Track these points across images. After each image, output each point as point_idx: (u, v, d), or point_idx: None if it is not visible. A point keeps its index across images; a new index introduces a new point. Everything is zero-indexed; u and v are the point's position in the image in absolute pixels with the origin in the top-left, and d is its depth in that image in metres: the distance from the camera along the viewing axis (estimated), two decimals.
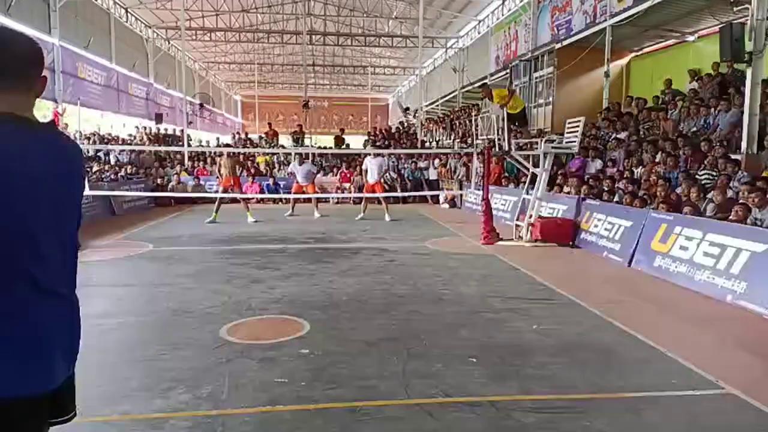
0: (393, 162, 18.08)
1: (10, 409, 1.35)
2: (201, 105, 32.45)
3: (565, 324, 4.87)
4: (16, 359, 1.37)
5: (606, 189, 9.59)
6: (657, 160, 9.61)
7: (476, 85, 22.06)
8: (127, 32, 24.73)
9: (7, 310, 1.37)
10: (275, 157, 19.24)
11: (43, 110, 18.92)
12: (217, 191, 12.32)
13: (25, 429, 1.40)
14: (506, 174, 13.78)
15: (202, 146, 22.90)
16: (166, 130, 24.18)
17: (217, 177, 12.04)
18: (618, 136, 11.87)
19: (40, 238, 1.42)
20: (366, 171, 12.79)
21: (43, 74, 1.53)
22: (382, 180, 13.34)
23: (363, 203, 13.00)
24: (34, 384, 1.39)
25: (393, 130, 25.25)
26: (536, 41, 18.50)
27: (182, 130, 23.60)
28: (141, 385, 3.50)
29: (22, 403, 1.36)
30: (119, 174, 15.83)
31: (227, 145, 20.96)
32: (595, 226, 8.61)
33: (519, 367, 3.84)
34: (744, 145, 8.55)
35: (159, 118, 24.14)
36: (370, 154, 13.33)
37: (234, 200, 13.02)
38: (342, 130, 23.69)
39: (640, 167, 10.01)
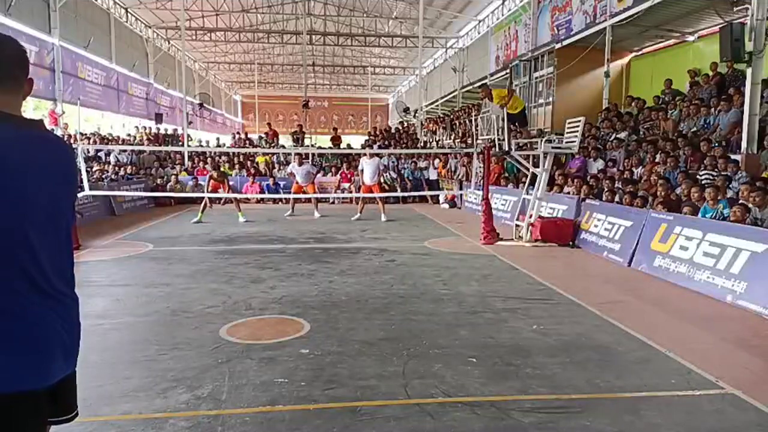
0: (393, 162, 18.09)
1: (10, 404, 1.37)
2: (201, 105, 32.46)
3: (564, 324, 4.87)
4: (15, 356, 1.39)
5: (606, 189, 9.59)
6: (657, 160, 9.62)
7: (476, 85, 22.06)
8: (127, 32, 24.75)
9: (7, 309, 1.39)
10: (275, 157, 19.25)
11: (42, 110, 18.96)
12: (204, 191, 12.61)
13: (25, 424, 1.42)
14: (506, 174, 13.78)
15: (202, 146, 22.90)
16: (166, 130, 24.19)
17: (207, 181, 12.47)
18: (618, 136, 11.88)
19: (38, 237, 1.44)
20: (362, 171, 12.78)
21: (29, 77, 1.57)
22: (381, 180, 13.34)
23: (360, 203, 13.00)
24: (32, 380, 1.41)
25: (393, 131, 25.26)
26: (536, 41, 18.50)
27: (177, 130, 23.67)
28: (141, 385, 3.50)
29: (21, 399, 1.38)
30: (119, 174, 15.83)
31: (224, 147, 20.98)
32: (595, 226, 8.61)
33: (519, 367, 3.84)
34: (744, 145, 8.55)
35: (159, 118, 24.16)
36: (366, 155, 13.31)
37: (227, 200, 13.31)
38: (335, 129, 23.55)
39: (640, 167, 10.01)
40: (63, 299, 1.52)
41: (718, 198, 7.10)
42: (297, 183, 13.18)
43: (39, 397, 1.44)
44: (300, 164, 13.18)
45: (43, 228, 1.45)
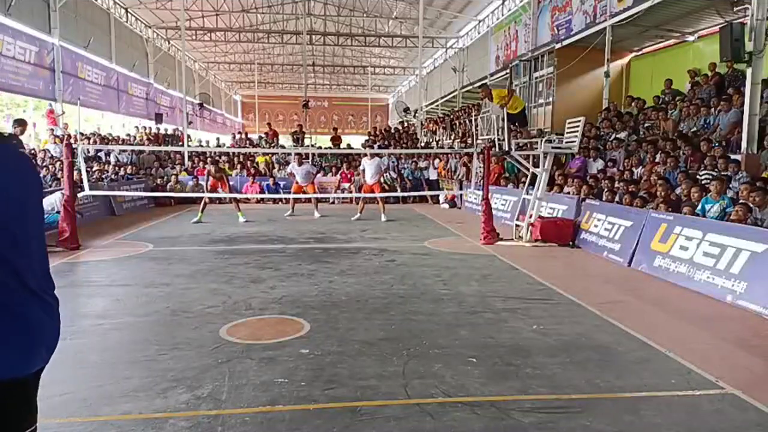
0: (393, 162, 18.08)
1: (7, 389, 1.50)
2: (201, 105, 32.45)
3: (564, 324, 4.87)
4: (12, 347, 1.51)
5: (606, 189, 9.59)
6: (657, 160, 9.61)
7: (476, 85, 22.06)
8: (127, 32, 24.74)
9: (5, 306, 1.50)
10: (275, 157, 19.25)
11: (42, 110, 18.97)
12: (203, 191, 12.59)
13: (19, 408, 1.56)
14: (506, 174, 13.78)
15: (202, 146, 22.88)
16: (166, 130, 24.19)
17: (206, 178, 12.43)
18: (618, 136, 11.88)
19: (25, 240, 1.54)
20: (363, 171, 12.82)
21: None
22: (381, 180, 13.35)
23: (360, 203, 13.01)
24: (22, 367, 1.54)
25: (393, 131, 25.25)
26: (536, 41, 18.50)
27: (178, 129, 23.66)
28: (141, 385, 3.50)
29: (15, 384, 1.52)
30: (119, 174, 15.83)
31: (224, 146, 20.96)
32: (595, 226, 8.61)
33: (519, 367, 3.84)
34: (744, 145, 8.55)
35: (159, 118, 24.15)
36: (366, 155, 13.34)
37: (223, 200, 13.41)
38: (335, 129, 23.45)
39: (640, 167, 10.01)
40: (49, 299, 1.63)
41: (722, 193, 7.11)
42: (297, 183, 13.18)
43: (28, 383, 1.57)
44: (300, 164, 13.18)
45: (31, 236, 1.56)
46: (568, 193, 10.33)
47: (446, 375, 3.68)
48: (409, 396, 3.37)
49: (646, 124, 11.92)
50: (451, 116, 24.53)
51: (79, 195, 9.59)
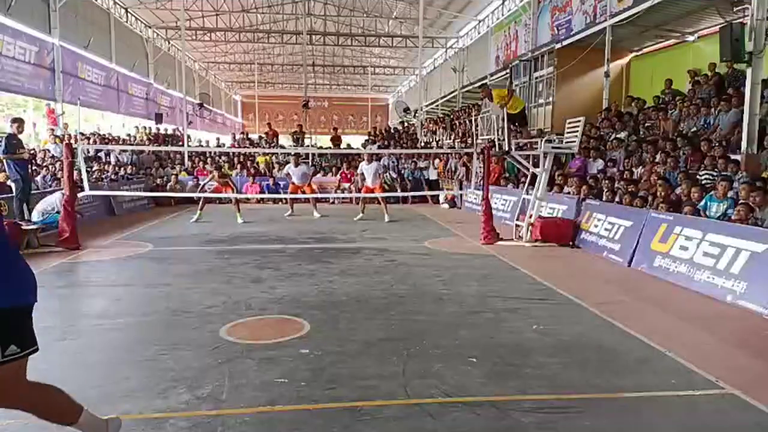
0: (393, 162, 18.08)
1: (23, 312, 2.17)
2: (201, 105, 32.44)
3: (565, 324, 4.87)
4: (23, 283, 2.20)
5: (606, 189, 9.59)
6: (657, 160, 9.61)
7: (476, 85, 22.06)
8: (127, 32, 24.73)
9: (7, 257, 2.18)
10: (274, 157, 19.24)
11: (42, 110, 18.97)
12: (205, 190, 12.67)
13: (31, 326, 2.22)
14: (506, 174, 13.77)
15: (202, 146, 22.88)
16: (166, 130, 24.18)
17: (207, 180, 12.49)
18: (618, 136, 11.88)
19: None
20: (362, 175, 12.80)
21: None
22: (381, 181, 13.35)
23: (361, 203, 13.01)
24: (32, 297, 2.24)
25: (393, 131, 25.23)
26: (536, 41, 18.50)
27: (178, 129, 23.65)
28: (141, 385, 3.50)
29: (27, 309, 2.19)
30: (119, 174, 15.83)
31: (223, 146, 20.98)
32: (595, 226, 8.61)
33: (519, 367, 3.84)
34: (744, 145, 8.54)
35: (159, 118, 24.13)
36: (364, 159, 13.32)
37: (226, 200, 13.48)
38: (335, 129, 23.39)
39: (640, 167, 10.01)
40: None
41: (726, 195, 7.10)
42: (293, 183, 13.21)
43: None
44: (296, 165, 13.19)
45: None
46: (568, 193, 10.33)
47: (446, 375, 3.68)
48: (409, 396, 3.37)
49: (646, 124, 11.91)
50: (451, 116, 24.53)
51: (79, 195, 9.59)
